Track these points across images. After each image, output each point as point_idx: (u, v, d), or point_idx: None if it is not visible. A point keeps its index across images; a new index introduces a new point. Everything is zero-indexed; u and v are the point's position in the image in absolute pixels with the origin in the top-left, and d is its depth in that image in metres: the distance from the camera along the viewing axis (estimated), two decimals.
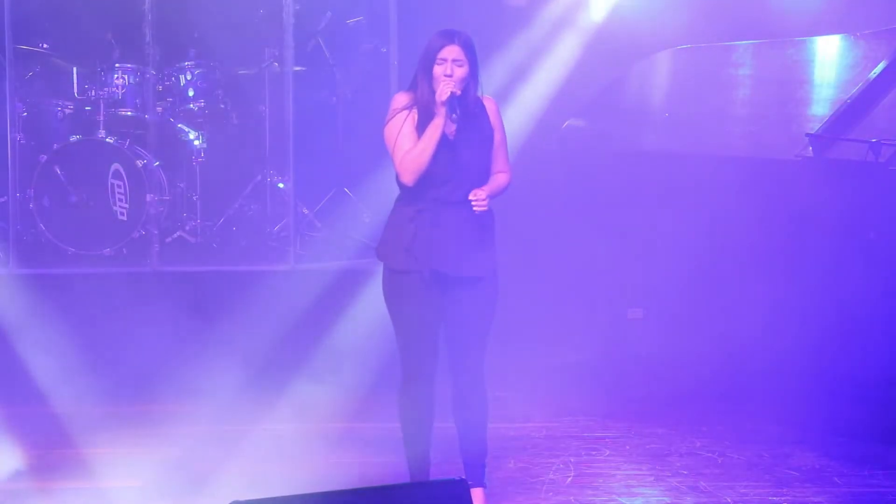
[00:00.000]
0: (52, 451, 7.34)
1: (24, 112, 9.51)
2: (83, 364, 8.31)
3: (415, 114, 5.78)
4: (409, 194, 5.81)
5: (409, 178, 5.74)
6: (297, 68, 9.62)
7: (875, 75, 8.08)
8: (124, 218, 9.22)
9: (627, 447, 7.43)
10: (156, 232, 9.18)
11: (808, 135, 8.04)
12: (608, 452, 7.33)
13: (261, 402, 8.14)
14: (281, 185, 9.76)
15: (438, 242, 5.77)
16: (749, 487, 6.64)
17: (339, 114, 10.22)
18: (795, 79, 8.74)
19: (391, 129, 5.80)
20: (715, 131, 8.91)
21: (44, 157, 9.25)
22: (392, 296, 5.89)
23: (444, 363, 6.02)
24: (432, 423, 5.97)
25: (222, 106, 9.81)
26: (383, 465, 6.95)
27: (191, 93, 9.74)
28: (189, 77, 9.73)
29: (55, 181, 9.21)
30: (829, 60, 8.68)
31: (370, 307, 8.76)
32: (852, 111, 8.02)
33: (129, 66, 9.60)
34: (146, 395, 8.30)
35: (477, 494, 5.95)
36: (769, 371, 8.19)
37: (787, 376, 8.06)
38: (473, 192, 5.75)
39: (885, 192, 7.56)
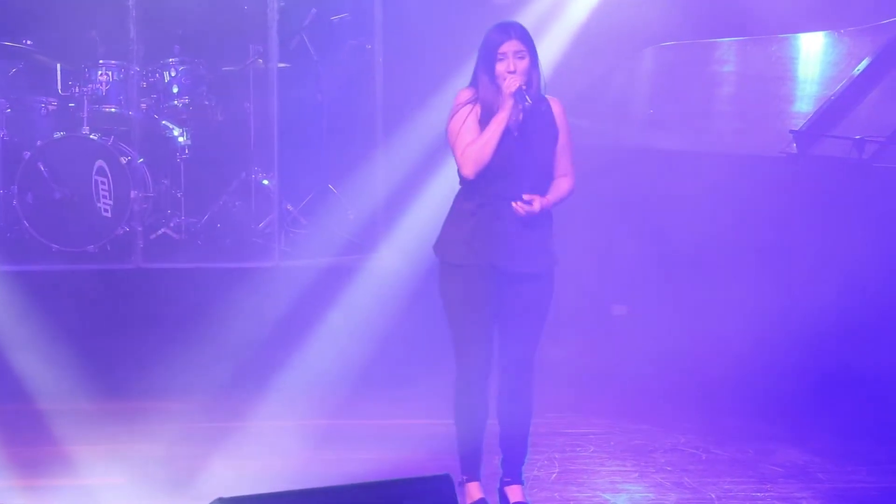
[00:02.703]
0: (36, 448, 7.32)
1: (7, 109, 9.49)
2: (66, 361, 8.29)
3: (478, 109, 5.78)
4: (470, 190, 5.79)
5: (469, 171, 5.72)
6: (282, 65, 9.61)
7: (858, 72, 8.11)
8: (108, 215, 9.20)
9: (612, 443, 7.44)
10: (140, 229, 9.16)
11: (792, 131, 8.06)
12: (592, 449, 7.34)
13: (245, 399, 8.13)
14: (265, 182, 9.75)
15: (498, 237, 5.74)
16: (733, 483, 6.65)
17: (323, 111, 10.20)
18: (779, 75, 8.77)
19: (455, 123, 5.77)
20: (699, 128, 8.93)
21: (27, 154, 9.22)
22: (449, 290, 5.83)
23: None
24: (486, 418, 5.92)
25: (207, 103, 9.80)
26: (368, 461, 6.95)
27: (175, 89, 9.72)
28: (173, 74, 9.71)
29: (39, 178, 9.19)
30: (813, 57, 8.70)
31: (355, 304, 8.76)
32: (836, 108, 8.05)
33: (113, 62, 9.58)
34: (130, 391, 8.28)
35: (516, 491, 5.95)
36: (753, 368, 8.21)
37: (772, 373, 8.08)
38: (528, 196, 5.72)
39: (869, 188, 7.58)
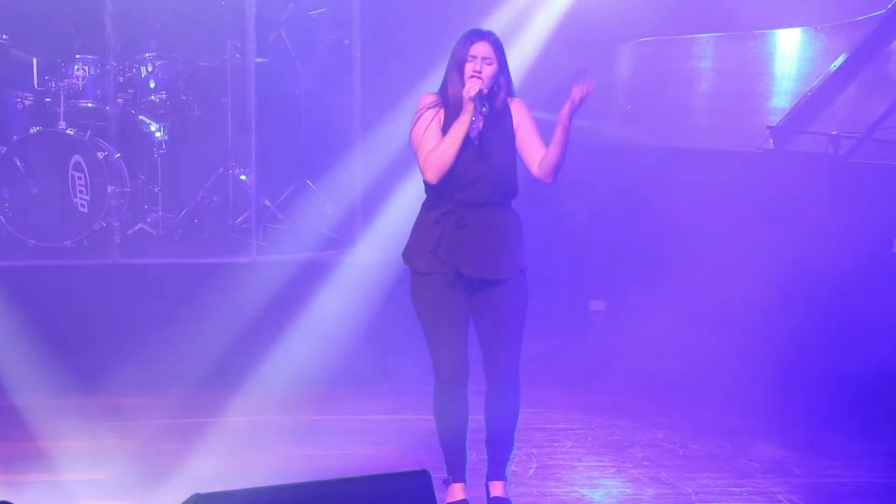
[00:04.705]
0: (13, 443, 7.29)
1: None
2: (44, 357, 8.27)
3: (441, 114, 5.79)
4: (435, 197, 5.80)
5: (432, 176, 5.73)
6: (260, 60, 9.59)
7: (835, 68, 8.14)
8: (85, 210, 9.17)
9: (589, 439, 7.46)
10: (117, 224, 9.13)
11: (769, 127, 8.09)
12: (570, 444, 7.35)
13: (223, 395, 8.12)
14: (243, 177, 9.73)
15: (463, 245, 5.75)
16: (710, 478, 6.67)
17: (301, 106, 10.19)
18: (756, 71, 8.79)
19: (418, 129, 5.79)
20: (677, 124, 8.95)
21: (3, 149, 9.18)
22: (419, 298, 5.85)
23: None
24: (467, 421, 5.93)
25: (184, 97, 9.77)
26: (346, 456, 6.95)
27: (152, 84, 9.69)
28: (150, 68, 9.68)
29: (15, 173, 9.15)
30: (790, 53, 8.72)
31: (333, 299, 8.76)
32: (812, 104, 8.08)
33: (89, 57, 9.54)
34: (107, 387, 8.27)
35: (497, 487, 5.95)
36: (730, 363, 8.23)
37: (748, 368, 8.10)
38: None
39: (845, 184, 7.61)
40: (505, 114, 5.85)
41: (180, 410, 7.92)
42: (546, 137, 5.83)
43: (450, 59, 5.82)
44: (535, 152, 5.84)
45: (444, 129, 5.76)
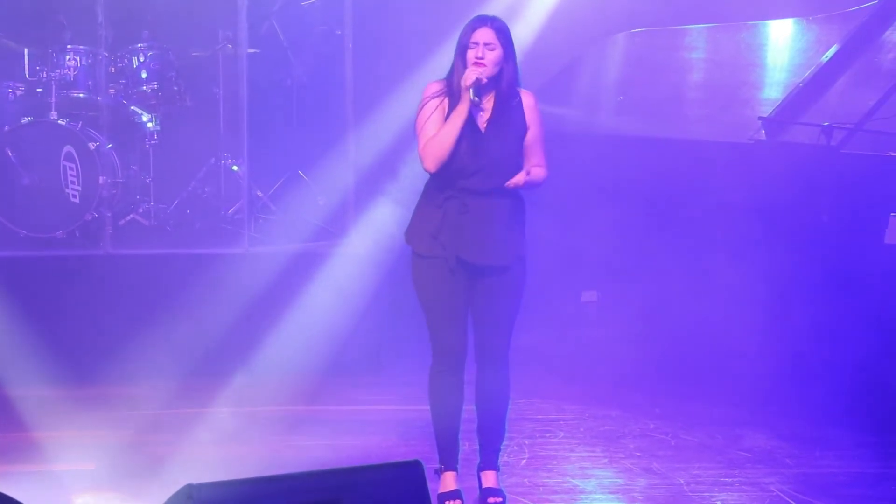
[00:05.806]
0: (4, 434, 7.29)
1: None
2: (34, 347, 8.26)
3: (445, 103, 5.78)
4: (439, 182, 5.81)
5: (430, 165, 5.74)
6: (252, 50, 9.57)
7: (827, 59, 8.14)
8: (77, 200, 9.15)
9: (581, 429, 7.47)
10: (109, 214, 9.11)
11: (760, 118, 8.09)
12: (562, 434, 7.36)
13: (214, 385, 8.12)
14: (235, 168, 9.72)
15: (465, 231, 5.76)
16: (702, 469, 6.68)
17: (293, 96, 10.18)
18: (748, 62, 8.79)
19: (420, 118, 5.79)
20: (669, 115, 8.95)
21: None
22: (419, 281, 5.87)
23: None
24: (461, 407, 5.95)
25: (176, 88, 9.75)
26: (338, 447, 6.95)
27: (144, 74, 9.67)
28: (142, 59, 9.65)
29: (7, 163, 9.13)
30: (782, 44, 8.73)
31: (325, 291, 8.75)
32: (804, 95, 8.08)
33: (81, 47, 9.52)
34: (99, 377, 8.26)
35: (490, 476, 5.98)
36: (723, 353, 8.24)
37: (740, 359, 8.11)
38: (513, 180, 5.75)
39: (837, 175, 7.62)
40: (516, 105, 5.83)
41: (172, 401, 7.91)
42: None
43: (456, 45, 5.82)
44: (528, 158, 5.89)
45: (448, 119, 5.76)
